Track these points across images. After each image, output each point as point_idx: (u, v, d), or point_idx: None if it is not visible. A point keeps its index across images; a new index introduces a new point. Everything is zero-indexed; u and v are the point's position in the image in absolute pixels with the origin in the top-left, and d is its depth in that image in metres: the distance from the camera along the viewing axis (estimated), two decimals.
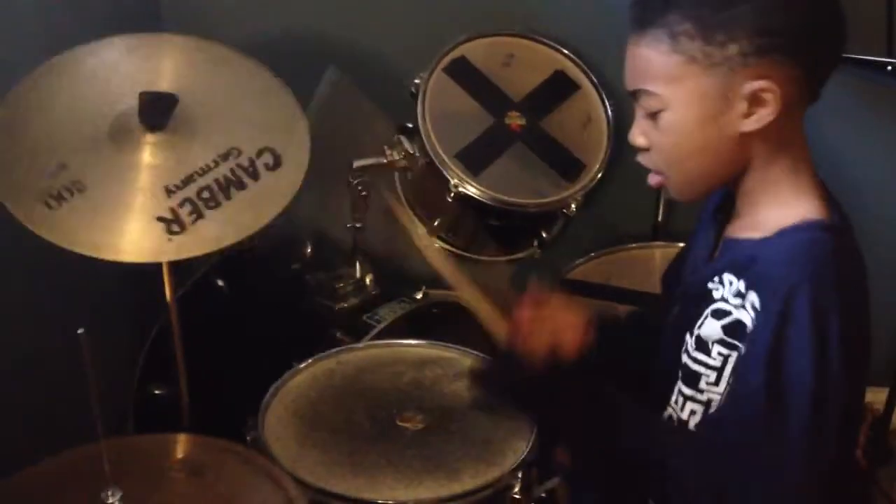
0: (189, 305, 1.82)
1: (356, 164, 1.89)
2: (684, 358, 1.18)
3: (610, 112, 1.97)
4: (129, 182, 1.37)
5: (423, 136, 1.86)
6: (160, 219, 1.35)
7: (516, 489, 1.36)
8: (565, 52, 2.01)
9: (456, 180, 1.84)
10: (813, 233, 1.10)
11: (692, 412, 1.18)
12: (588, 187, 1.92)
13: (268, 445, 1.39)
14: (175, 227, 1.35)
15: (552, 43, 2.01)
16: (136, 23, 1.60)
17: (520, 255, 2.03)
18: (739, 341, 1.11)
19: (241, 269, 1.97)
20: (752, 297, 1.09)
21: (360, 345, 1.69)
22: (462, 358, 1.61)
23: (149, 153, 1.40)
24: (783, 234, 1.11)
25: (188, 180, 1.40)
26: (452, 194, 1.84)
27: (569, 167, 1.94)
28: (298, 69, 2.16)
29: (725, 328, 1.12)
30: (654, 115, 1.14)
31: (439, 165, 1.85)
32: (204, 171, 1.42)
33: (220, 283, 1.95)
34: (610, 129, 1.97)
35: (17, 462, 1.22)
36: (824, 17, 1.10)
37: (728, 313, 1.12)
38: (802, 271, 1.06)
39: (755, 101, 1.08)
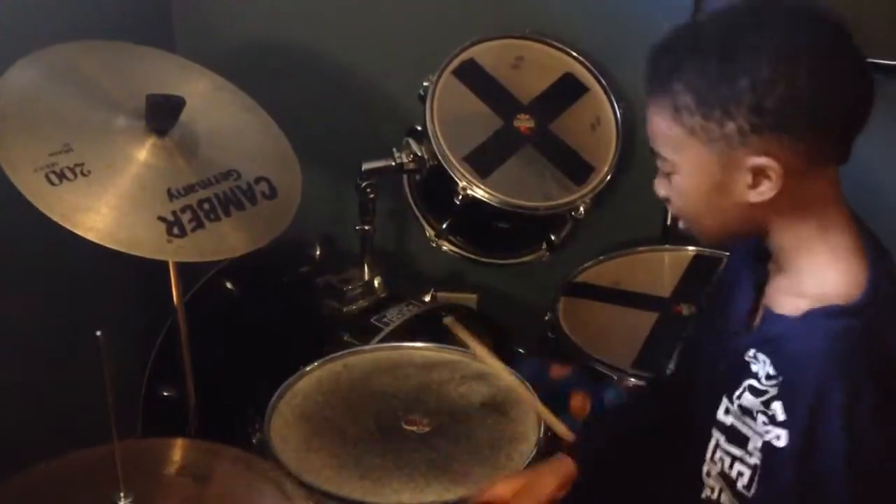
0: (197, 307, 1.82)
1: (365, 166, 1.90)
2: (728, 420, 1.16)
3: (619, 114, 1.97)
4: (133, 177, 1.38)
5: (431, 138, 1.86)
6: (161, 219, 1.36)
7: None
8: (574, 54, 2.01)
9: (464, 183, 1.83)
10: (841, 321, 1.06)
11: (740, 473, 1.15)
12: (597, 190, 1.92)
13: (274, 448, 1.39)
14: (176, 231, 1.36)
15: (561, 45, 2.01)
16: (149, 39, 1.62)
17: (528, 257, 2.03)
18: (772, 424, 1.08)
19: (249, 271, 1.97)
20: (782, 386, 1.07)
21: (368, 347, 1.69)
22: (469, 361, 1.61)
23: (152, 154, 1.41)
24: (811, 319, 1.08)
25: (190, 189, 1.42)
26: (461, 197, 1.84)
27: (578, 170, 1.93)
28: (308, 74, 2.18)
29: (763, 404, 1.10)
30: (668, 176, 1.15)
31: (448, 168, 1.85)
32: (205, 185, 1.44)
33: (229, 285, 1.95)
34: (619, 131, 1.96)
35: (29, 461, 1.23)
36: (834, 90, 1.05)
37: (764, 392, 1.10)
38: (829, 368, 1.03)
39: (757, 174, 1.07)
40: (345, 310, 1.92)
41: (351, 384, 1.56)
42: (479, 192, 1.84)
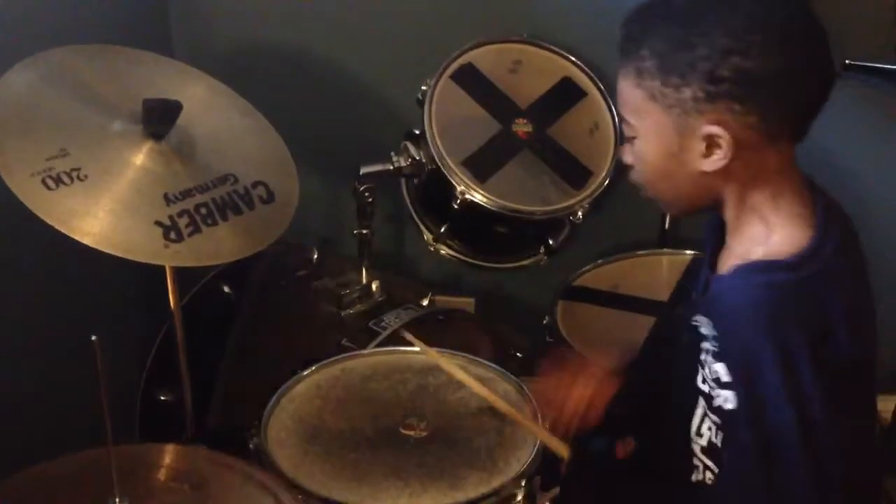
0: (195, 311, 1.82)
1: (363, 170, 1.90)
2: (705, 387, 1.16)
3: (617, 119, 1.97)
4: (130, 181, 1.38)
5: (429, 142, 1.86)
6: (158, 223, 1.36)
7: (519, 498, 1.35)
8: (572, 58, 2.01)
9: (462, 187, 1.83)
10: (768, 275, 1.08)
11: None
12: (595, 194, 1.92)
13: (271, 452, 1.39)
14: (173, 235, 1.36)
15: (559, 50, 2.01)
16: (146, 43, 1.62)
17: (526, 262, 2.03)
18: (719, 386, 1.10)
19: (246, 275, 1.97)
20: (720, 345, 1.09)
21: (366, 351, 1.68)
22: (468, 366, 1.60)
23: (149, 159, 1.41)
24: (737, 273, 1.11)
25: (187, 193, 1.41)
26: (459, 201, 1.84)
27: (576, 174, 1.94)
28: (306, 78, 2.18)
29: (710, 368, 1.12)
30: (630, 140, 1.18)
31: (446, 172, 1.84)
32: (202, 189, 1.44)
33: (226, 289, 1.95)
34: (617, 136, 1.96)
35: (23, 464, 1.22)
36: (789, 64, 1.08)
37: (709, 354, 1.12)
38: (755, 323, 1.05)
39: (710, 143, 1.10)
40: (343, 314, 1.91)
41: (348, 388, 1.56)
42: (478, 197, 1.84)
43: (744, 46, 1.06)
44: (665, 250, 2.09)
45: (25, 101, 1.38)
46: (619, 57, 1.15)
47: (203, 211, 1.42)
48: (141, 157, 1.40)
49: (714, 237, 1.25)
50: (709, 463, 1.16)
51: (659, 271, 2.05)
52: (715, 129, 1.08)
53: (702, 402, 1.17)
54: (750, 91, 1.07)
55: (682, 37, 1.08)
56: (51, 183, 1.30)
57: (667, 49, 1.09)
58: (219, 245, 1.42)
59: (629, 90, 1.14)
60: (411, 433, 1.44)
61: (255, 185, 1.51)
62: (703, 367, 1.14)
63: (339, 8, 2.14)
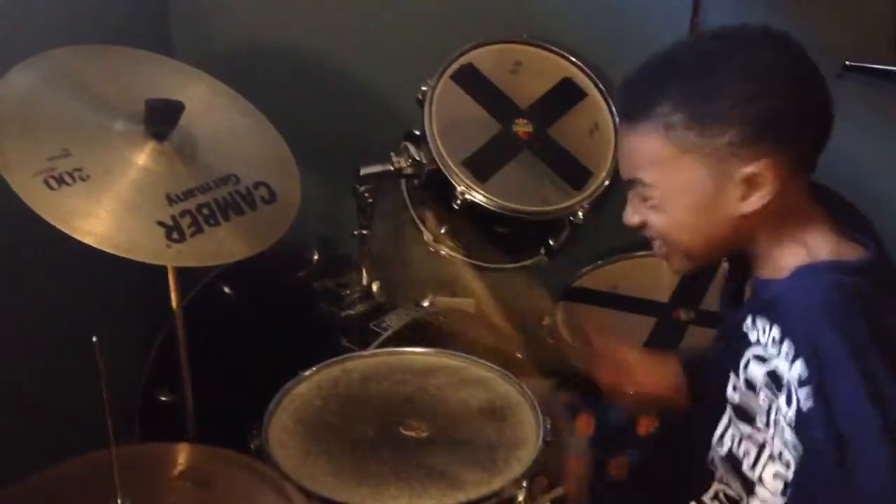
0: (195, 312, 1.82)
1: (363, 171, 1.89)
2: (736, 397, 1.18)
3: (617, 119, 1.97)
4: (132, 181, 1.38)
5: (429, 143, 1.86)
6: (161, 223, 1.36)
7: (521, 499, 1.35)
8: (572, 59, 2.01)
9: (463, 187, 1.83)
10: (834, 276, 1.09)
11: (746, 452, 1.18)
12: (595, 195, 1.92)
13: (272, 453, 1.39)
14: (175, 235, 1.36)
15: (559, 50, 2.01)
16: (147, 44, 1.62)
17: (527, 262, 2.03)
18: (777, 391, 1.09)
19: (247, 275, 1.97)
20: (787, 347, 1.08)
21: (366, 352, 1.68)
22: (468, 366, 1.61)
23: (151, 159, 1.41)
24: (800, 274, 1.11)
25: (189, 194, 1.42)
26: (459, 201, 1.84)
27: (576, 175, 1.94)
28: (306, 78, 2.18)
29: (768, 374, 1.11)
30: (648, 202, 1.18)
31: (446, 172, 1.85)
32: (204, 190, 1.44)
33: (227, 289, 1.95)
34: (617, 136, 1.96)
35: (25, 467, 1.22)
36: (806, 100, 1.12)
37: (767, 360, 1.11)
38: (826, 318, 1.05)
39: (750, 184, 1.11)
40: (343, 314, 1.91)
41: (349, 389, 1.56)
42: (478, 197, 1.84)
43: (768, 88, 1.09)
44: None
45: (27, 101, 1.38)
46: (626, 119, 1.15)
47: (205, 211, 1.42)
48: (143, 157, 1.40)
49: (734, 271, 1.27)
50: (726, 467, 1.16)
51: (659, 272, 2.04)
52: (756, 168, 1.10)
53: (729, 411, 1.18)
54: (779, 129, 1.10)
55: (704, 88, 1.10)
56: (53, 183, 1.31)
57: (692, 101, 1.10)
58: (220, 245, 1.42)
59: (652, 149, 1.13)
60: (412, 434, 1.44)
61: (257, 185, 1.51)
62: (741, 372, 1.15)
63: (340, 9, 2.14)
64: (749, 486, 1.17)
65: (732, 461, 1.19)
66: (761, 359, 1.12)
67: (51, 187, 1.30)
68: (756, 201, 1.12)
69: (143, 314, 1.90)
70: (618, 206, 2.07)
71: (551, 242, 2.00)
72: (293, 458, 1.39)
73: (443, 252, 2.01)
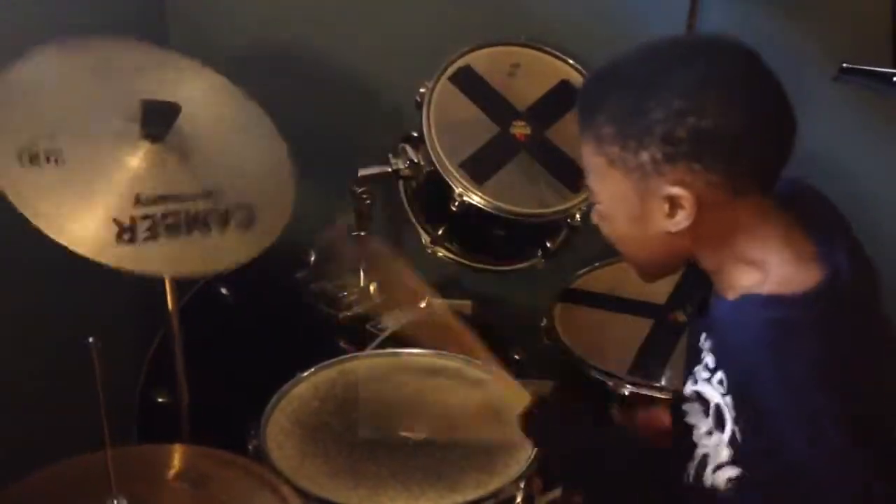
0: (193, 313, 1.82)
1: (361, 172, 1.90)
2: (686, 405, 1.16)
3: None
4: (107, 176, 1.37)
5: (427, 144, 1.86)
6: (116, 221, 1.35)
7: (518, 500, 1.35)
8: (570, 61, 2.01)
9: (460, 189, 1.84)
10: (770, 309, 1.05)
11: (692, 457, 1.15)
12: None
13: (269, 454, 1.39)
14: (126, 236, 1.35)
15: (557, 53, 2.01)
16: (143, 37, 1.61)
17: (524, 264, 2.03)
18: (707, 415, 1.08)
19: (244, 277, 1.97)
20: (719, 376, 1.08)
21: (364, 354, 1.68)
22: (466, 368, 1.61)
23: (140, 159, 1.40)
24: (741, 304, 1.08)
25: (161, 199, 1.39)
26: (457, 203, 1.84)
27: (573, 177, 1.93)
28: (304, 80, 2.18)
29: (698, 395, 1.11)
30: (595, 205, 1.20)
31: (444, 174, 1.85)
32: (181, 199, 1.42)
33: (224, 291, 1.95)
34: None
35: (22, 468, 1.22)
36: (744, 119, 1.06)
37: (698, 381, 1.12)
38: (760, 355, 1.03)
39: (673, 204, 1.09)
40: (340, 316, 1.91)
41: (347, 391, 1.56)
42: (475, 199, 1.84)
43: (699, 106, 1.05)
44: None
45: (38, 84, 1.38)
46: (580, 125, 1.16)
47: (169, 220, 1.40)
48: (133, 158, 1.39)
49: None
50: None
51: None
52: (675, 191, 1.08)
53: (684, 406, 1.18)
54: (708, 150, 1.06)
55: (636, 102, 1.08)
56: (25, 159, 1.30)
57: (623, 115, 1.09)
58: (165, 258, 1.39)
59: (589, 157, 1.14)
60: (409, 435, 1.44)
61: (240, 206, 1.47)
62: (693, 383, 1.14)
63: (338, 11, 2.14)
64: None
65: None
66: (695, 379, 1.13)
67: (22, 163, 1.29)
68: (681, 221, 1.09)
69: (142, 315, 1.90)
70: None
71: (549, 244, 2.00)
72: (290, 459, 1.39)
73: (440, 254, 2.01)
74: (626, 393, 1.70)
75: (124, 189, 1.37)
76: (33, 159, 1.31)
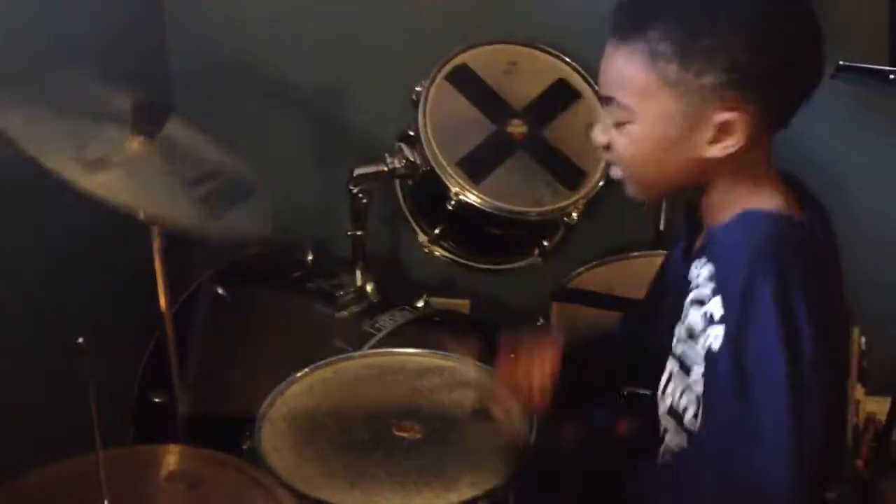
0: (189, 313, 1.82)
1: (357, 171, 1.89)
2: (679, 349, 1.18)
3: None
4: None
5: (424, 143, 1.86)
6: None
7: (513, 500, 1.35)
8: (567, 60, 2.01)
9: (457, 188, 1.83)
10: (772, 223, 1.09)
11: (686, 406, 1.17)
12: (589, 196, 1.92)
13: (264, 455, 1.38)
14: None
15: (554, 51, 2.02)
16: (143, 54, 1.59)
17: (521, 263, 2.03)
18: (710, 323, 1.09)
19: (240, 276, 1.97)
20: (714, 283, 1.09)
21: (360, 353, 1.68)
22: (462, 367, 1.60)
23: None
24: (742, 216, 1.11)
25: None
26: (453, 202, 1.84)
27: (570, 175, 1.94)
28: (301, 79, 2.18)
29: (704, 316, 1.11)
30: (620, 125, 1.15)
31: (440, 173, 1.84)
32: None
33: (220, 290, 1.95)
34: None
35: (17, 469, 1.22)
36: (800, 59, 1.10)
37: (703, 302, 1.11)
38: (758, 257, 1.05)
39: (722, 129, 1.09)
40: (337, 315, 1.91)
41: (343, 390, 1.55)
42: (472, 198, 1.84)
43: (764, 43, 1.07)
44: (659, 252, 2.08)
45: None
46: (616, 36, 1.11)
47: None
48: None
49: (689, 224, 1.26)
50: (670, 423, 1.18)
51: (653, 273, 2.04)
52: (732, 115, 1.08)
53: (671, 364, 1.18)
54: (766, 85, 1.07)
55: (701, 22, 1.06)
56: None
57: (687, 34, 1.07)
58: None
59: (635, 72, 1.09)
60: (406, 435, 1.44)
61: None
62: (682, 322, 1.15)
63: (335, 9, 2.14)
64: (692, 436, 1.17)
65: (675, 416, 1.19)
66: (699, 302, 1.12)
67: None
68: (724, 148, 1.10)
69: (140, 314, 1.90)
70: (612, 207, 2.11)
71: (545, 243, 2.00)
72: (286, 459, 1.39)
73: (437, 253, 2.01)
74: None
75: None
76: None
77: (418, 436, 1.44)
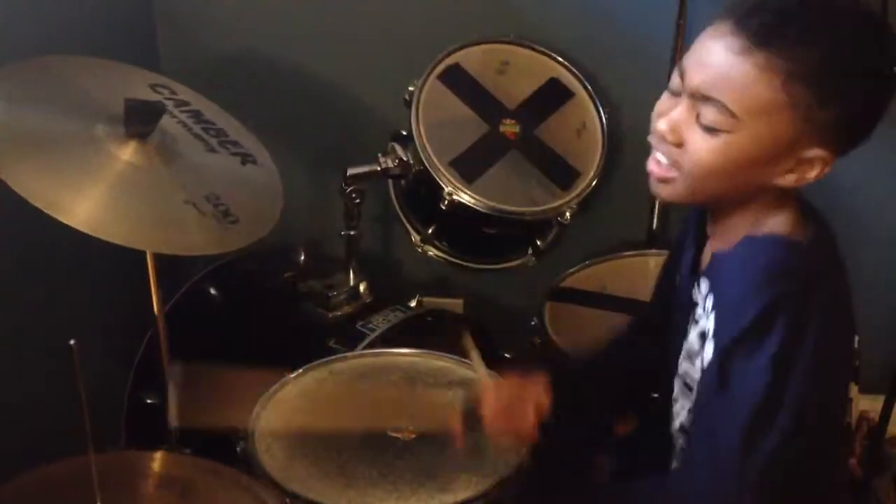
0: (181, 314, 1.81)
1: (350, 171, 1.89)
2: (682, 367, 1.18)
3: (604, 119, 1.97)
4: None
5: (416, 143, 1.86)
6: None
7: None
8: (559, 59, 2.01)
9: (450, 188, 1.83)
10: (777, 247, 1.08)
11: (691, 423, 1.18)
12: (583, 195, 1.92)
13: (258, 456, 1.38)
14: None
15: (546, 50, 2.01)
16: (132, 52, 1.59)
17: (514, 262, 2.03)
18: (703, 340, 1.11)
19: (233, 277, 1.96)
20: (714, 300, 1.09)
21: (353, 353, 1.67)
22: (456, 367, 1.60)
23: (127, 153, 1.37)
24: (748, 243, 1.10)
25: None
26: (446, 202, 1.83)
27: (563, 175, 1.93)
28: (293, 79, 2.17)
29: (700, 335, 1.12)
30: (711, 129, 1.06)
31: (433, 173, 1.84)
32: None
33: (213, 291, 1.94)
34: (604, 136, 1.97)
35: (8, 472, 1.21)
36: (884, 108, 1.07)
37: (703, 318, 1.12)
38: (753, 275, 1.05)
39: (806, 162, 1.06)
40: (330, 315, 1.90)
41: (336, 391, 1.55)
42: (465, 198, 1.83)
43: (878, 91, 1.05)
44: (652, 251, 2.09)
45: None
46: (752, 40, 1.02)
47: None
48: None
49: (696, 224, 1.25)
50: (680, 439, 1.20)
51: (646, 272, 2.04)
52: (823, 154, 1.06)
53: (678, 384, 1.18)
54: (862, 131, 1.07)
55: (849, 59, 1.02)
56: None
57: (833, 66, 1.02)
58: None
59: (764, 86, 1.02)
60: (399, 435, 1.44)
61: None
62: (686, 341, 1.15)
63: (327, 8, 2.13)
64: None
65: (684, 433, 1.20)
66: (698, 322, 1.13)
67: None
68: (798, 180, 1.07)
69: (131, 316, 1.89)
70: (605, 207, 2.11)
71: (539, 243, 1.99)
72: (280, 460, 1.38)
73: (430, 253, 2.01)
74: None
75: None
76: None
77: (412, 436, 1.44)
